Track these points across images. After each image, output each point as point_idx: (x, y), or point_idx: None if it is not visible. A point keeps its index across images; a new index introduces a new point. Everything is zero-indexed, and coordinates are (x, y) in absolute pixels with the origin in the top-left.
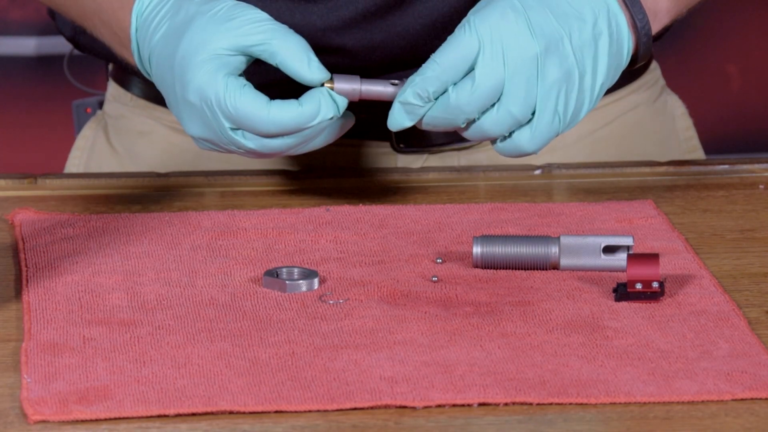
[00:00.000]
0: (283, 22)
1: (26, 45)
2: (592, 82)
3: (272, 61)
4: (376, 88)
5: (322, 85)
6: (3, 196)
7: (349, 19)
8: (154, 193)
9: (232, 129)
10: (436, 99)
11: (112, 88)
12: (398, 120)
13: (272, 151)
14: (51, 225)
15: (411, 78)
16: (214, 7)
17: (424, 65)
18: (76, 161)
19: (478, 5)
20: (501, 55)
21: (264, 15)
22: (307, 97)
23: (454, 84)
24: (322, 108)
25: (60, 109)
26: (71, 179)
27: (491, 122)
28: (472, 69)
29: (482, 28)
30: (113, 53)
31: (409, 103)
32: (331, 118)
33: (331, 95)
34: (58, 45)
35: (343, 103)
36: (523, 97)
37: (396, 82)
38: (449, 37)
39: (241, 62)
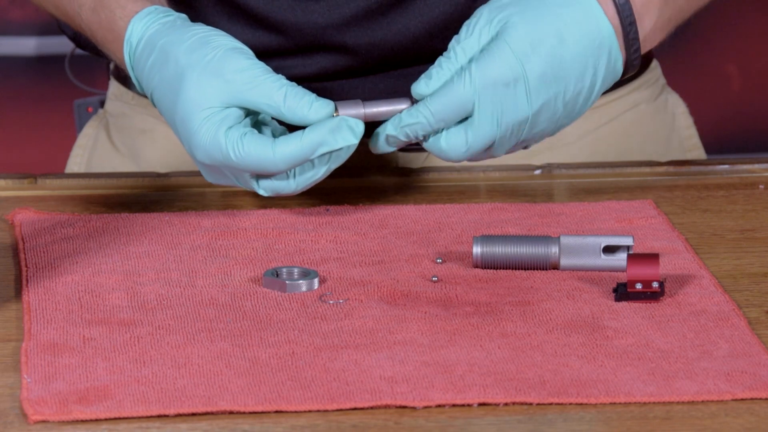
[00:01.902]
0: (285, 20)
1: (26, 45)
2: (568, 123)
3: (269, 113)
4: (379, 110)
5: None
6: (3, 196)
7: (351, 17)
8: (154, 193)
9: (251, 177)
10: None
11: (114, 87)
12: (381, 147)
13: (285, 193)
14: (51, 225)
15: (401, 117)
16: (203, 58)
17: (416, 105)
18: (77, 159)
19: (481, 50)
20: (497, 118)
21: (256, 66)
22: (310, 128)
23: (447, 130)
24: (328, 138)
25: (60, 109)
26: (71, 179)
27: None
28: (464, 118)
29: (481, 85)
30: None
31: (397, 138)
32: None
33: (345, 123)
34: (59, 45)
35: (359, 128)
36: (507, 148)
37: (395, 100)
38: (447, 83)
39: (239, 112)
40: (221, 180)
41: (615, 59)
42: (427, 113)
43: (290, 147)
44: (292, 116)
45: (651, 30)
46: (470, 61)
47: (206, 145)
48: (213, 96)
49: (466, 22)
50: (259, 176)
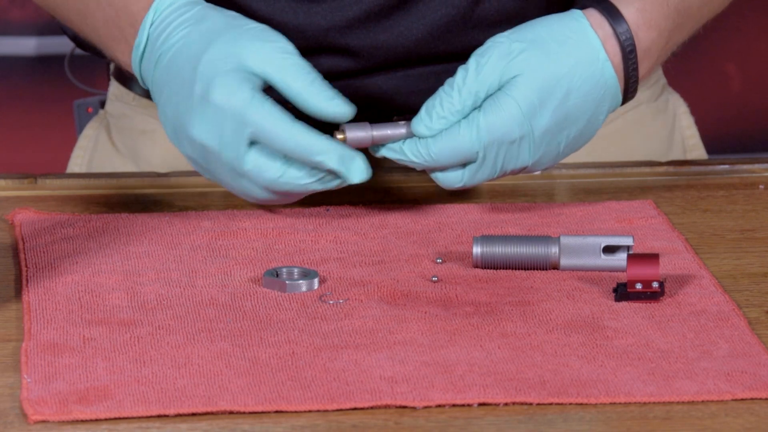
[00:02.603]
0: (287, 22)
1: (26, 45)
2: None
3: (291, 92)
4: (386, 132)
5: (333, 135)
6: (3, 196)
7: (353, 19)
8: (154, 193)
9: (249, 143)
10: None
11: (114, 87)
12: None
13: (267, 176)
14: (51, 225)
15: (403, 149)
16: (247, 24)
17: (418, 144)
18: (78, 161)
19: (486, 96)
20: (498, 167)
21: (292, 46)
22: (329, 139)
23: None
24: (336, 157)
25: (60, 109)
26: (71, 179)
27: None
28: (463, 165)
29: (488, 141)
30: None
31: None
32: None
33: (355, 163)
34: (59, 45)
35: (361, 177)
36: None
37: (402, 122)
38: (453, 131)
39: (263, 84)
40: (212, 135)
41: (615, 102)
42: (429, 157)
43: (305, 131)
44: (311, 100)
45: (646, 72)
46: (476, 109)
47: (232, 88)
48: (249, 56)
49: (476, 56)
50: (254, 143)
